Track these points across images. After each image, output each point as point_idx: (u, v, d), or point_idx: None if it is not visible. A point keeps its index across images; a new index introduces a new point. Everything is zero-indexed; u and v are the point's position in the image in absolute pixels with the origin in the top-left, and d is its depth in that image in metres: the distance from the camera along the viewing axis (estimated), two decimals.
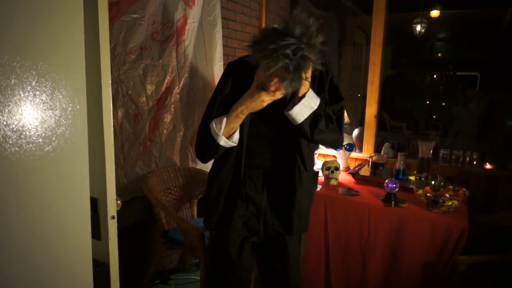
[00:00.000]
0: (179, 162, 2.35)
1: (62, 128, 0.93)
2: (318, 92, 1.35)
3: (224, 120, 1.28)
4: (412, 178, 2.24)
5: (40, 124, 0.87)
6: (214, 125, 1.29)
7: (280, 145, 1.39)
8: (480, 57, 7.74)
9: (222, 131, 1.28)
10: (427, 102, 7.31)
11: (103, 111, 1.02)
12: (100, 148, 1.05)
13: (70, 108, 0.93)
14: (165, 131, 2.24)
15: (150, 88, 2.13)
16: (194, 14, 2.31)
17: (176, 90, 2.29)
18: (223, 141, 1.29)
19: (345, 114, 2.96)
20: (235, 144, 1.32)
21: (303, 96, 1.25)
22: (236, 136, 1.31)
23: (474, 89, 5.65)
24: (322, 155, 2.88)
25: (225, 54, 2.62)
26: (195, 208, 2.32)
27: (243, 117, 1.28)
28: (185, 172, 2.30)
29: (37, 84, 0.85)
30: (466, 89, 5.36)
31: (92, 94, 1.00)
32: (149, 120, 2.14)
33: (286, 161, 1.38)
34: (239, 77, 1.35)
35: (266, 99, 1.23)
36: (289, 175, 1.39)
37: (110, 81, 1.02)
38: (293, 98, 1.27)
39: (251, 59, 1.19)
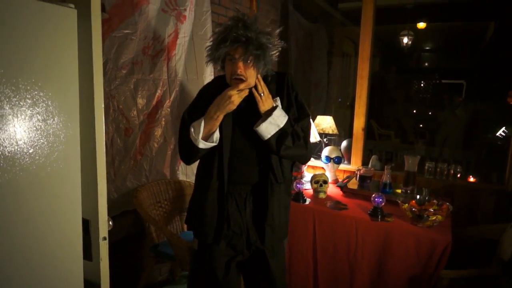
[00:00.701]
0: (169, 175, 2.36)
1: (56, 154, 0.95)
2: (286, 109, 1.44)
3: (202, 123, 1.36)
4: (398, 191, 2.30)
5: (34, 151, 0.89)
6: (192, 129, 1.37)
7: (260, 160, 1.43)
8: (466, 66, 7.94)
9: (200, 134, 1.36)
10: (414, 111, 7.43)
11: (95, 136, 1.04)
12: (93, 171, 1.07)
13: (63, 135, 0.95)
14: (155, 145, 2.25)
15: (141, 102, 2.15)
16: (185, 29, 2.34)
17: (167, 103, 2.31)
18: (202, 144, 1.36)
19: (333, 125, 3.02)
20: (215, 143, 1.38)
21: (270, 114, 1.33)
22: (216, 135, 1.38)
23: (460, 95, 5.80)
24: (312, 167, 2.93)
25: (215, 68, 2.65)
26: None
27: (218, 118, 1.35)
28: (175, 185, 2.32)
29: (31, 111, 0.87)
30: (453, 95, 5.50)
31: (85, 120, 1.02)
32: (140, 134, 2.16)
33: (260, 174, 1.43)
34: (214, 93, 1.42)
35: (233, 94, 1.32)
36: (262, 187, 1.44)
37: (102, 106, 1.05)
38: (263, 115, 1.36)
39: (214, 61, 1.38)
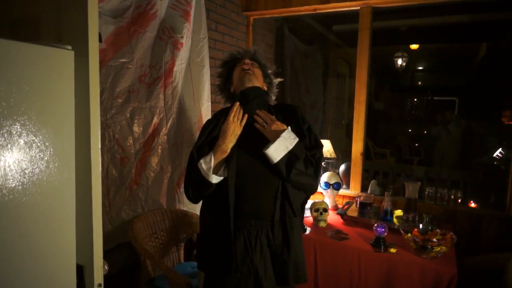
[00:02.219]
0: (166, 204, 2.31)
1: (49, 200, 0.90)
2: (300, 140, 1.41)
3: (212, 158, 1.34)
4: (399, 212, 2.24)
5: (27, 199, 0.85)
6: (203, 165, 1.35)
7: (269, 190, 1.37)
8: (458, 84, 8.05)
9: (211, 169, 1.34)
10: (409, 130, 7.47)
11: (91, 180, 1.00)
12: (88, 216, 1.02)
13: (58, 181, 0.91)
14: (151, 174, 2.20)
15: (137, 130, 2.11)
16: (182, 56, 2.33)
17: (164, 131, 2.27)
18: (215, 179, 1.34)
19: (331, 149, 3.00)
20: (224, 176, 1.36)
21: (279, 135, 1.31)
22: (222, 169, 1.37)
23: (452, 111, 5.85)
24: None
25: (213, 93, 2.64)
26: (182, 252, 2.27)
27: (226, 149, 1.36)
28: (172, 214, 2.26)
29: (24, 156, 0.83)
30: (445, 111, 5.54)
31: (81, 164, 0.98)
32: (136, 163, 2.11)
33: (276, 207, 1.37)
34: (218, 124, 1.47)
35: (230, 122, 1.36)
36: (280, 222, 1.38)
37: (99, 147, 1.01)
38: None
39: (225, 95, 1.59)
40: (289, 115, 1.46)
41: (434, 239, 1.84)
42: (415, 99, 8.31)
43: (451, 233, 1.86)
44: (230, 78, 1.55)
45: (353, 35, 2.81)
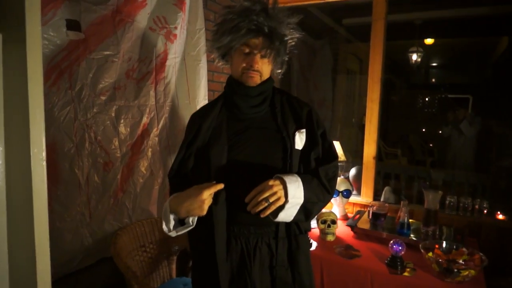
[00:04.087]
0: (156, 213, 2.09)
1: None
2: (310, 147, 1.20)
3: (171, 217, 1.11)
4: (417, 224, 1.98)
5: None
6: (164, 225, 1.13)
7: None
8: (472, 81, 7.72)
9: (172, 226, 1.12)
10: (423, 130, 7.15)
11: (33, 202, 0.78)
12: (28, 247, 0.80)
13: None
14: (140, 179, 1.98)
15: (123, 131, 1.89)
16: (176, 49, 2.10)
17: (155, 132, 2.05)
18: (174, 234, 1.13)
19: (340, 151, 2.75)
20: (192, 226, 1.12)
21: (286, 201, 1.07)
22: (193, 218, 1.13)
23: (466, 110, 5.56)
24: None
25: (210, 90, 2.41)
26: (174, 266, 2.05)
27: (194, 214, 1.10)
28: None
29: None
30: (457, 109, 5.25)
31: (15, 182, 0.76)
32: (122, 167, 1.89)
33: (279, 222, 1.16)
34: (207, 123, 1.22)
35: (205, 199, 1.05)
36: (285, 239, 1.19)
37: (44, 164, 0.79)
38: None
39: (220, 51, 1.19)
40: (301, 116, 1.23)
41: (460, 260, 1.59)
42: (427, 97, 8.01)
43: (480, 254, 1.61)
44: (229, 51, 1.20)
45: (365, 29, 2.61)
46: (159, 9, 2.02)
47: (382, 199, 2.45)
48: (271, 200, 1.04)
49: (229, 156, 1.14)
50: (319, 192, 1.15)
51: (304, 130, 1.20)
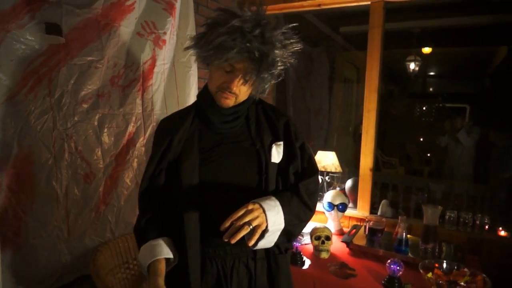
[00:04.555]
0: None
1: None
2: (288, 161, 1.12)
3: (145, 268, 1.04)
4: (415, 240, 1.88)
5: None
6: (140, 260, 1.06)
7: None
8: (470, 91, 7.68)
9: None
10: (421, 139, 7.09)
11: None
12: None
13: None
14: (124, 192, 1.88)
15: (107, 141, 1.79)
16: (165, 55, 2.02)
17: (141, 141, 1.96)
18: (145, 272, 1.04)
19: (336, 162, 2.67)
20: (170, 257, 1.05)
21: (266, 229, 0.98)
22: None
23: (463, 119, 5.51)
24: None
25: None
26: None
27: None
28: None
29: None
30: (454, 119, 5.20)
31: None
32: (105, 179, 1.79)
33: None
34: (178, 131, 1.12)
35: None
36: (262, 260, 1.10)
37: None
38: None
39: (200, 60, 1.06)
40: (277, 127, 1.14)
41: (462, 282, 1.50)
42: (424, 106, 7.97)
43: (483, 275, 1.51)
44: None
45: (362, 37, 2.55)
46: (148, 13, 1.94)
47: (379, 213, 2.36)
48: (254, 224, 0.95)
49: (201, 172, 1.06)
50: (300, 211, 1.07)
51: (281, 143, 1.12)
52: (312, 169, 1.15)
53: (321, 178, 2.60)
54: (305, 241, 2.02)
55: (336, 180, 2.90)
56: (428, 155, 6.74)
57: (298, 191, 1.08)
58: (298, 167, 1.13)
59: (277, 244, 1.07)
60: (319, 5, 2.45)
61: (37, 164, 1.51)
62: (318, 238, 1.86)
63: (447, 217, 2.15)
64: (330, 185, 2.85)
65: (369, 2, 2.30)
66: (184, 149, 1.09)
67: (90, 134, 1.72)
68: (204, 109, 1.13)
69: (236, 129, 1.13)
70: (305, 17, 3.68)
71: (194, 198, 1.03)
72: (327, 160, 2.66)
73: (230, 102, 1.07)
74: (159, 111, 2.04)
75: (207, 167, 1.06)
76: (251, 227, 0.94)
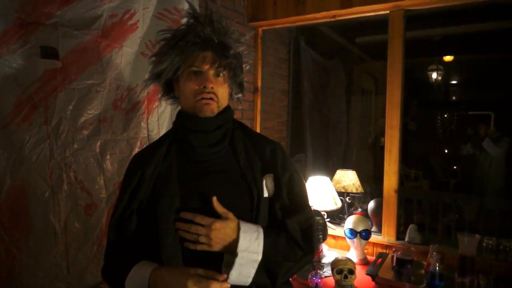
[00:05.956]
0: None
1: None
2: (274, 195, 0.98)
3: None
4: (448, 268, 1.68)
5: None
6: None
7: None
8: (495, 97, 7.35)
9: None
10: (446, 151, 6.79)
11: None
12: None
13: None
14: None
15: (109, 168, 1.69)
16: None
17: None
18: None
19: (357, 182, 2.49)
20: None
21: (234, 253, 0.85)
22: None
23: (487, 126, 5.23)
24: (332, 236, 2.35)
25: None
26: None
27: None
28: None
29: None
30: (478, 126, 4.92)
31: None
32: (108, 209, 1.68)
33: None
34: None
35: None
36: None
37: None
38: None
39: (161, 77, 1.00)
40: (264, 157, 1.01)
41: None
42: (445, 115, 7.68)
43: None
44: (175, 71, 1.00)
45: (379, 46, 2.41)
46: (152, 32, 1.84)
47: (406, 239, 2.15)
48: (200, 240, 0.86)
49: (182, 211, 0.91)
50: (287, 249, 0.92)
51: (272, 175, 0.99)
52: (303, 203, 1.00)
53: (342, 199, 2.42)
54: (326, 273, 1.84)
55: (357, 201, 2.72)
56: (455, 167, 6.42)
57: (286, 227, 0.95)
58: (285, 202, 0.98)
59: (257, 284, 0.91)
60: (334, 16, 2.31)
61: (33, 197, 1.41)
62: (340, 271, 1.68)
63: (484, 244, 1.93)
64: (351, 206, 2.67)
65: (387, 11, 2.14)
66: (159, 185, 0.95)
67: (91, 162, 1.61)
68: (183, 132, 1.00)
69: (221, 154, 1.00)
70: (320, 29, 3.56)
71: (174, 243, 0.89)
72: (347, 180, 2.49)
73: (213, 106, 0.98)
74: None
75: (189, 205, 0.92)
76: (194, 238, 0.86)
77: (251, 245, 0.87)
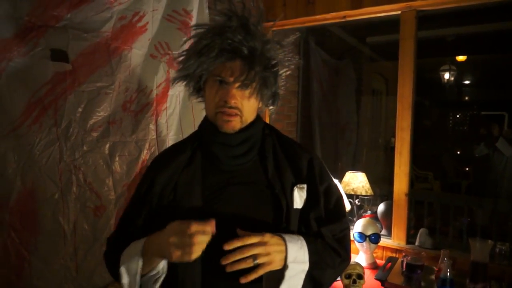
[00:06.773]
0: None
1: None
2: (310, 206, 0.94)
3: (140, 262, 0.84)
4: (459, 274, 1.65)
5: None
6: (123, 279, 0.87)
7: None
8: (509, 97, 7.21)
9: (138, 276, 0.84)
10: (458, 153, 6.69)
11: None
12: None
13: None
14: None
15: (119, 170, 1.69)
16: None
17: None
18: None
19: (367, 184, 2.46)
20: (161, 274, 0.87)
21: (285, 266, 0.81)
22: (162, 264, 0.86)
23: (501, 126, 5.13)
24: None
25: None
26: None
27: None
28: None
29: None
30: (491, 126, 4.83)
31: None
32: (117, 211, 1.68)
33: None
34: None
35: (197, 232, 0.78)
36: None
37: None
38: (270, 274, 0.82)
39: (187, 79, 0.93)
40: (300, 167, 0.96)
41: None
42: (458, 114, 7.56)
43: None
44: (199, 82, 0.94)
45: (390, 46, 2.37)
46: (162, 34, 1.85)
47: (417, 243, 2.12)
48: (260, 261, 0.78)
49: (205, 219, 0.88)
50: (327, 255, 0.90)
51: (305, 186, 0.94)
52: (339, 213, 0.97)
53: (351, 202, 2.40)
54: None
55: (367, 203, 2.68)
56: (467, 169, 6.32)
57: (322, 235, 0.92)
58: (321, 213, 0.95)
59: None
60: (344, 16, 2.29)
61: (42, 199, 1.42)
62: (348, 276, 1.66)
63: (497, 249, 1.89)
64: (360, 209, 2.64)
65: (399, 12, 2.11)
66: (182, 192, 0.92)
67: (100, 164, 1.62)
68: (207, 143, 0.96)
69: (248, 165, 0.96)
70: (330, 29, 3.52)
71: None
72: (356, 182, 2.45)
73: (235, 124, 0.90)
74: (175, 136, 1.93)
75: (211, 215, 0.88)
76: (255, 262, 0.77)
77: (299, 255, 0.83)
